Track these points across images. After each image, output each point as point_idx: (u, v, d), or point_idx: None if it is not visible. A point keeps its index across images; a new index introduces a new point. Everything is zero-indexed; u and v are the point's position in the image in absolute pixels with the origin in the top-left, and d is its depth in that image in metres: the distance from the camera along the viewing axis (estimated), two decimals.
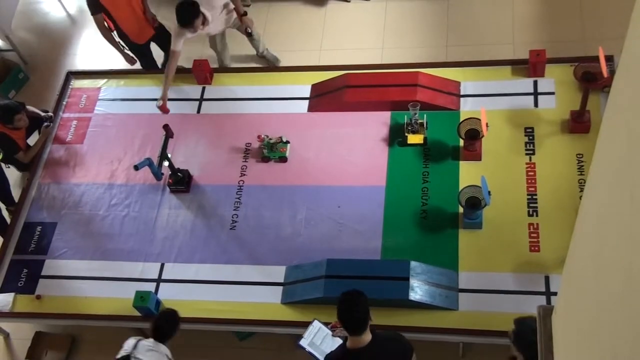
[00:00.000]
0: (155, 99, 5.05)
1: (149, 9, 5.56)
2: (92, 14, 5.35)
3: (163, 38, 5.59)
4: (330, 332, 3.80)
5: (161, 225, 4.73)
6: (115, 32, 5.50)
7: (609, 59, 4.48)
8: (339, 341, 3.69)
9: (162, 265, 4.58)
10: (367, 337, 3.32)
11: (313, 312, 4.08)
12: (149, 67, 5.77)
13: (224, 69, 5.59)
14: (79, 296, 4.55)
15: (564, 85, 4.73)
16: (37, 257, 4.76)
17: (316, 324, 3.84)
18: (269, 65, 6.00)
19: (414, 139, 4.64)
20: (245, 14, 5.32)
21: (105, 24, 5.39)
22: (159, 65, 5.82)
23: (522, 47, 5.58)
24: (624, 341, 1.43)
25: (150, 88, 5.40)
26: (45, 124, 5.32)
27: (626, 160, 1.46)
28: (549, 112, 4.66)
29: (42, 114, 5.39)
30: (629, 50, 1.47)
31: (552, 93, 4.74)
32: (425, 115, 4.67)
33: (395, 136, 4.76)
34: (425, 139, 4.65)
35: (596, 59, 4.22)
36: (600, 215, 1.73)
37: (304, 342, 3.78)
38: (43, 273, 4.69)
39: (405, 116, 4.69)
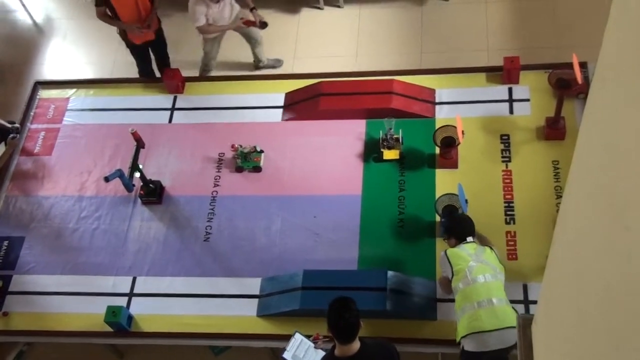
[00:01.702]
0: (126, 109, 4.95)
1: (156, 14, 5.36)
2: (96, 5, 5.25)
3: (159, 44, 5.52)
4: (312, 344, 3.78)
5: (133, 238, 4.67)
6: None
7: (583, 65, 4.54)
8: (322, 353, 3.68)
9: (134, 279, 4.51)
10: (356, 345, 3.31)
11: (290, 325, 4.05)
12: (145, 73, 5.67)
13: (195, 78, 5.55)
14: (48, 312, 4.47)
15: (539, 92, 4.78)
16: (4, 273, 4.65)
17: (298, 337, 3.82)
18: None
19: (390, 154, 4.65)
20: (255, 8, 5.47)
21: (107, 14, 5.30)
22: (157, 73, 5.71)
23: (496, 53, 5.63)
24: (605, 352, 1.43)
25: (120, 98, 5.34)
26: (12, 135, 5.22)
27: (604, 169, 1.47)
28: (524, 119, 4.71)
29: (9, 125, 5.29)
30: (604, 59, 1.48)
31: (527, 100, 4.78)
32: (400, 131, 4.66)
33: (371, 144, 4.75)
34: (401, 154, 4.65)
35: (570, 65, 4.27)
36: (579, 224, 1.74)
37: (287, 355, 3.77)
38: (10, 289, 4.59)
39: (380, 131, 4.68)
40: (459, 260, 3.76)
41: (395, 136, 4.65)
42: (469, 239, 3.88)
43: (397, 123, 4.67)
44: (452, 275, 3.76)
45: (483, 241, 3.98)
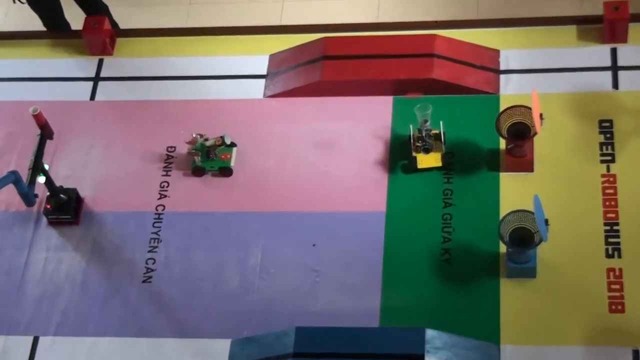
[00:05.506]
0: (25, 79, 4.96)
1: None
2: None
3: None
4: None
5: (34, 278, 4.69)
6: None
7: None
8: None
9: (36, 340, 4.53)
10: None
11: None
12: (55, 26, 5.63)
13: (132, 32, 5.56)
14: None
15: None
16: None
17: None
18: None
19: (428, 161, 4.64)
20: None
21: None
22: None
23: None
24: None
25: (16, 62, 5.40)
26: None
27: None
28: (634, 97, 4.75)
29: None
30: None
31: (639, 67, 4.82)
32: (441, 123, 4.64)
33: (401, 135, 4.78)
34: (444, 157, 4.65)
35: None
36: None
37: None
38: None
39: (411, 126, 4.68)
40: None
41: (434, 131, 4.66)
42: None
43: (442, 101, 4.68)
44: None
45: None
